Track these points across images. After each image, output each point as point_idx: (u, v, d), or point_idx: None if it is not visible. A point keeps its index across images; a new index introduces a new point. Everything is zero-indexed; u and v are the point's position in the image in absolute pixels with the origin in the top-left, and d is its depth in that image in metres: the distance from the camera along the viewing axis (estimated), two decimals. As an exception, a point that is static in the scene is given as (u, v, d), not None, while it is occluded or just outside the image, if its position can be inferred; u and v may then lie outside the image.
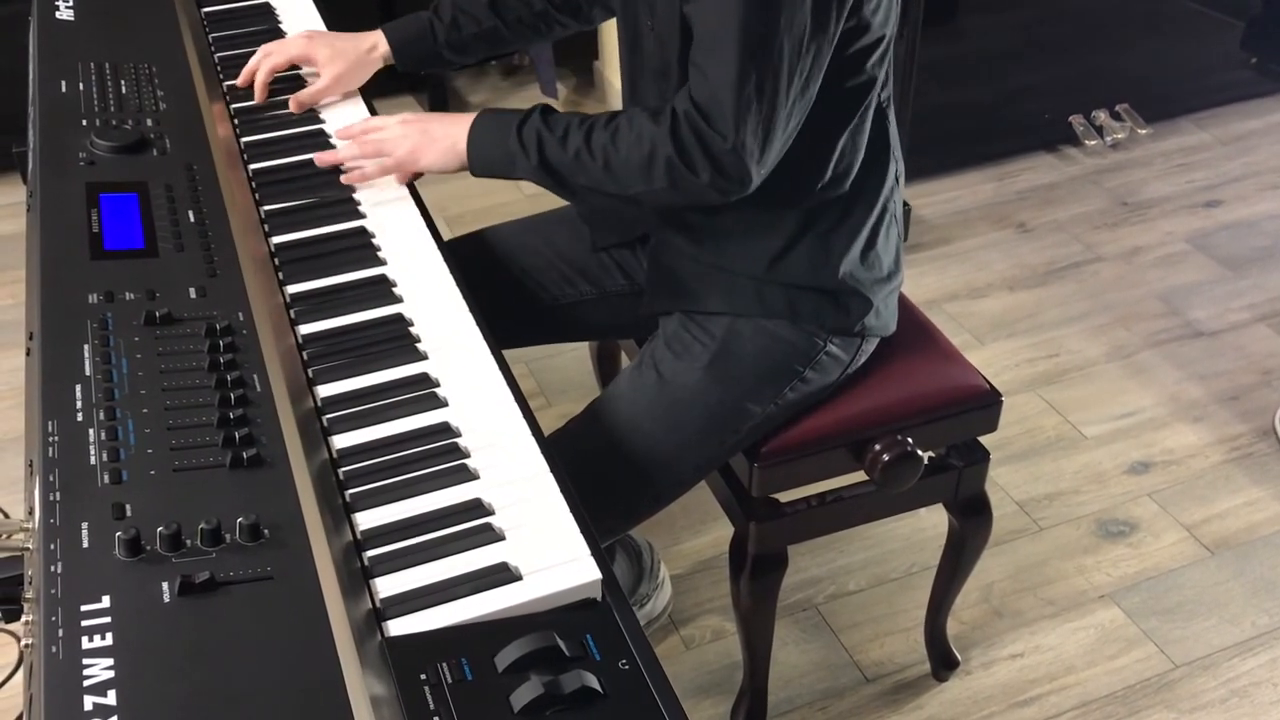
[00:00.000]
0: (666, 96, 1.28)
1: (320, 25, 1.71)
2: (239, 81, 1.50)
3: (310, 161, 1.38)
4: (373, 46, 1.52)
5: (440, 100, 3.13)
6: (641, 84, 1.34)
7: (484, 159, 1.29)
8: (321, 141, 1.43)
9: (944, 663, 1.72)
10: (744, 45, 1.13)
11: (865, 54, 1.22)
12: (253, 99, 1.50)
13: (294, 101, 1.48)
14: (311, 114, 1.49)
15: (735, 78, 1.14)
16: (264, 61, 1.49)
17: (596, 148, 1.22)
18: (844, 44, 1.19)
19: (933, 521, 1.92)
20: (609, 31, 3.14)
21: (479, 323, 1.14)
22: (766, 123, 1.16)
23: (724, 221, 1.30)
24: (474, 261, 1.44)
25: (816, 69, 1.18)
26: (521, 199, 2.83)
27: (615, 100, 3.14)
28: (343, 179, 1.35)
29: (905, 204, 2.63)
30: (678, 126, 1.18)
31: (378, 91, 1.57)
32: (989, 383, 1.46)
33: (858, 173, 1.29)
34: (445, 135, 1.30)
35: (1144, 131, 2.97)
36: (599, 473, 1.31)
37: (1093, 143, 2.94)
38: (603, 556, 0.90)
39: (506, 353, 1.30)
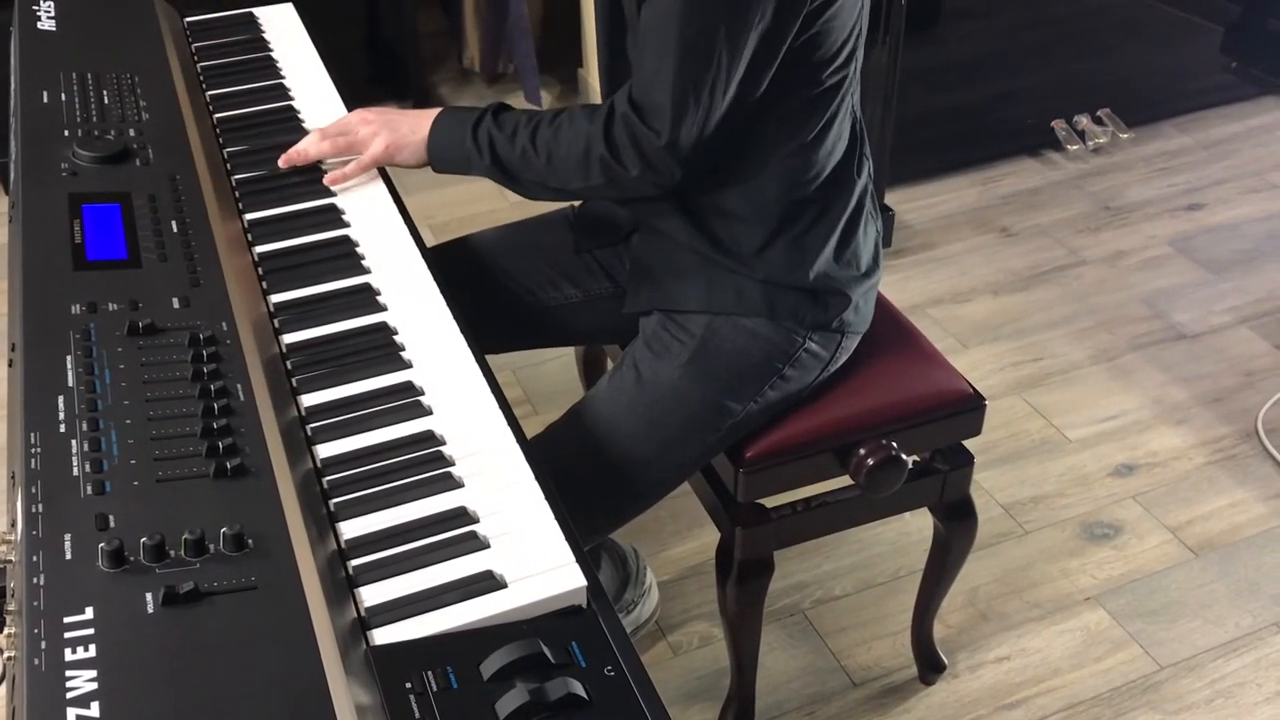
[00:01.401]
0: None
1: (304, 36, 1.70)
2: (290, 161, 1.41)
3: (294, 171, 1.38)
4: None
5: (422, 106, 3.12)
6: (618, 77, 1.35)
7: (443, 159, 1.34)
8: (305, 151, 1.43)
9: (931, 666, 1.73)
10: (682, 47, 1.16)
11: (830, 59, 1.25)
12: (237, 110, 1.50)
13: (334, 176, 1.39)
14: (295, 123, 1.49)
15: (672, 79, 1.17)
16: (314, 148, 1.41)
17: (540, 145, 1.27)
18: (808, 51, 1.22)
19: (918, 525, 1.93)
20: (593, 39, 3.15)
21: (463, 331, 1.14)
22: (700, 124, 1.20)
23: (704, 221, 1.31)
24: (458, 267, 1.44)
25: (758, 74, 1.21)
26: (506, 206, 2.83)
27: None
28: (325, 180, 1.37)
29: (889, 209, 2.65)
30: (612, 124, 1.23)
31: (361, 101, 1.57)
32: (973, 387, 1.47)
33: (830, 172, 1.30)
34: (414, 132, 1.34)
35: (1126, 136, 2.99)
36: (582, 474, 1.31)
37: (1075, 147, 2.95)
38: (588, 563, 0.90)
39: (492, 359, 1.30)
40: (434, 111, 1.35)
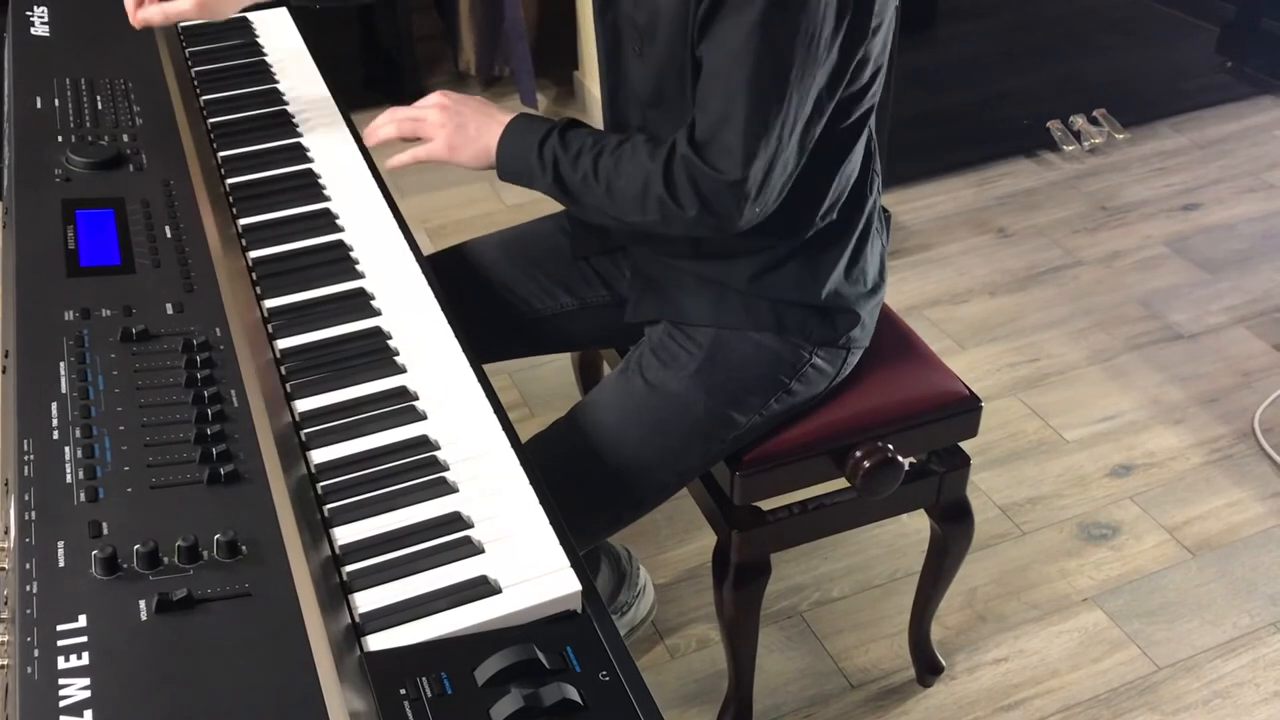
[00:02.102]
0: (654, 123, 1.29)
1: (299, 40, 1.70)
2: (133, 20, 1.41)
3: (288, 175, 1.38)
4: None
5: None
6: (621, 101, 1.34)
7: (509, 170, 1.29)
8: (298, 154, 1.43)
9: (928, 668, 1.72)
10: (755, 88, 1.13)
11: (862, 91, 1.24)
12: (231, 115, 1.50)
13: (138, 18, 1.40)
14: (289, 126, 1.48)
15: (744, 122, 1.14)
16: None
17: (601, 173, 1.24)
18: (849, 82, 1.21)
19: (915, 527, 1.92)
20: (590, 42, 3.15)
21: (457, 334, 1.14)
22: (768, 167, 1.17)
23: (710, 241, 1.31)
24: (454, 277, 1.44)
25: (818, 117, 1.19)
26: (503, 209, 2.84)
27: (596, 109, 3.15)
28: (388, 164, 1.36)
29: (885, 210, 2.64)
30: (671, 165, 1.19)
31: (357, 104, 1.57)
32: (969, 388, 1.47)
33: (847, 193, 1.31)
34: (480, 135, 1.30)
35: (1121, 136, 2.99)
36: (581, 477, 1.31)
37: (1071, 148, 2.96)
38: (583, 567, 0.90)
39: (488, 365, 1.30)
40: (507, 115, 1.31)
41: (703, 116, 1.18)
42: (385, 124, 1.36)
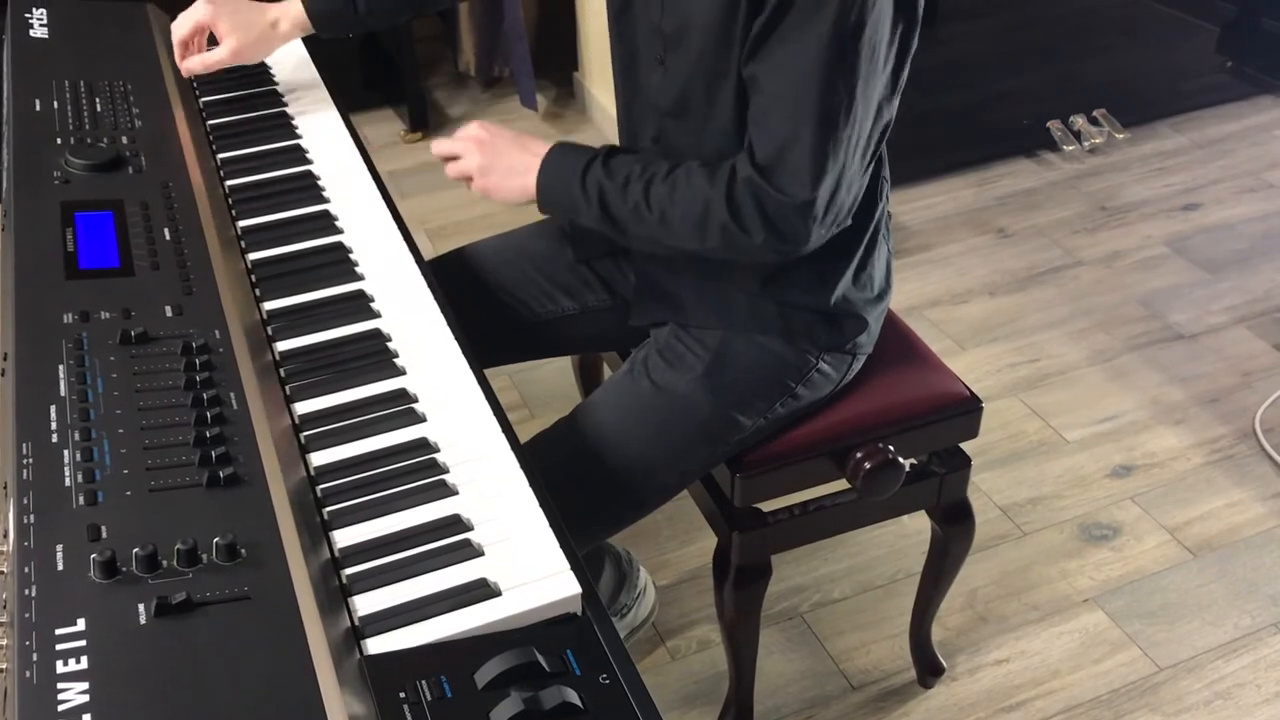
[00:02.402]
0: (671, 133, 1.28)
1: (298, 41, 1.70)
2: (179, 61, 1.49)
3: (287, 177, 1.38)
4: (276, 21, 1.50)
5: (420, 113, 3.13)
6: (637, 111, 1.34)
7: (551, 202, 1.28)
8: (297, 156, 1.43)
9: (929, 669, 1.72)
10: (823, 110, 1.12)
11: (890, 98, 1.23)
12: (230, 117, 1.50)
13: (183, 67, 1.49)
14: (289, 128, 1.48)
15: (812, 142, 1.13)
16: (175, 38, 1.49)
17: (654, 202, 1.21)
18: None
19: (916, 528, 1.92)
20: (590, 43, 3.15)
21: (456, 336, 1.14)
22: (835, 186, 1.17)
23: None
24: (454, 281, 1.44)
25: (878, 127, 1.19)
26: (503, 210, 2.83)
27: (595, 111, 3.15)
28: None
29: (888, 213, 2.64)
30: (734, 190, 1.18)
31: (357, 105, 1.57)
32: (969, 389, 1.46)
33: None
34: (519, 170, 1.29)
35: (1121, 136, 2.99)
36: (583, 477, 1.31)
37: (1071, 148, 2.95)
38: (583, 570, 0.90)
39: (489, 368, 1.30)
40: (544, 146, 1.28)
41: (764, 138, 1.16)
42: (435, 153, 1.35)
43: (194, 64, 1.49)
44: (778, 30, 1.13)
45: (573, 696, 0.78)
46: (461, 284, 1.47)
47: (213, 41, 1.51)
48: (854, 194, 1.20)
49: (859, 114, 1.14)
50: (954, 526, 1.54)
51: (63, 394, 0.97)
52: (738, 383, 1.32)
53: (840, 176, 1.17)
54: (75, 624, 0.78)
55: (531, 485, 0.97)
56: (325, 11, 1.49)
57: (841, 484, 1.43)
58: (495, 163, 1.29)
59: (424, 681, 0.79)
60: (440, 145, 1.34)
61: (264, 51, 1.51)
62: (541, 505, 0.95)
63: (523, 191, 1.29)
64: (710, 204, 1.19)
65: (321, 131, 1.48)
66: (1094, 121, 2.99)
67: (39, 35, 1.56)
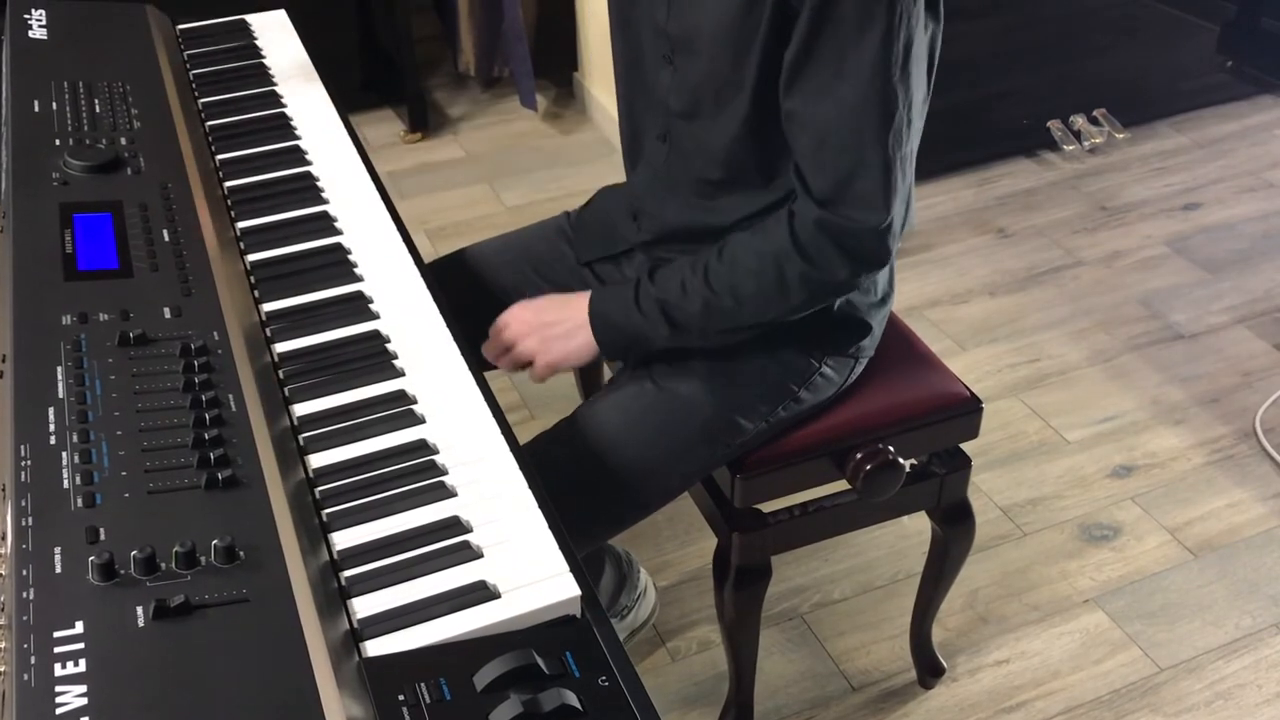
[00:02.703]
0: (681, 134, 1.28)
1: (297, 43, 1.70)
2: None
3: (286, 178, 1.38)
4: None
5: (420, 114, 3.13)
6: (640, 110, 1.33)
7: (615, 343, 1.28)
8: (297, 157, 1.43)
9: (930, 670, 1.72)
10: (885, 134, 1.12)
11: None
12: (229, 118, 1.50)
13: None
14: (287, 130, 1.48)
15: (880, 168, 1.13)
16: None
17: (720, 289, 1.20)
18: None
19: (917, 529, 1.92)
20: (590, 43, 3.14)
21: (456, 337, 1.13)
22: (904, 197, 1.17)
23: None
24: (455, 283, 1.44)
25: (919, 132, 1.19)
26: (503, 210, 2.83)
27: (595, 111, 3.15)
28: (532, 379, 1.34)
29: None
30: (801, 234, 1.17)
31: (356, 106, 1.57)
32: (969, 390, 1.46)
33: None
34: (571, 330, 1.29)
35: (1121, 136, 2.99)
36: (585, 478, 1.31)
37: (1071, 148, 2.95)
38: (582, 572, 0.89)
39: (491, 374, 1.30)
40: (582, 301, 1.28)
41: (823, 172, 1.15)
42: (489, 356, 1.35)
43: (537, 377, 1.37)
44: (818, 60, 1.11)
45: (572, 699, 0.78)
46: (462, 285, 1.47)
47: None
48: (911, 194, 1.20)
49: (916, 126, 1.15)
50: (954, 527, 1.54)
51: (61, 396, 0.97)
52: (739, 386, 1.32)
53: (908, 189, 1.17)
54: (73, 626, 0.78)
55: (531, 487, 0.96)
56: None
57: (842, 485, 1.43)
58: (546, 335, 1.29)
59: (423, 684, 0.79)
60: (490, 349, 1.34)
61: None
62: (541, 507, 0.95)
63: (587, 347, 1.29)
64: (781, 259, 1.18)
65: (321, 132, 1.48)
66: (1094, 121, 2.99)
67: (38, 36, 1.56)
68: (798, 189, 1.19)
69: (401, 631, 0.83)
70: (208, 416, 0.96)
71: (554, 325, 1.29)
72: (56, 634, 0.77)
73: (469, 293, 1.48)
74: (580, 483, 1.29)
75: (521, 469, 0.98)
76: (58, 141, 1.33)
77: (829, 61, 1.11)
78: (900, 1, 1.09)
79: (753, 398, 1.33)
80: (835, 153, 1.14)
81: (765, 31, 1.14)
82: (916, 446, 1.45)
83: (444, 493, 0.95)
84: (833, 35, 1.10)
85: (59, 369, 1.00)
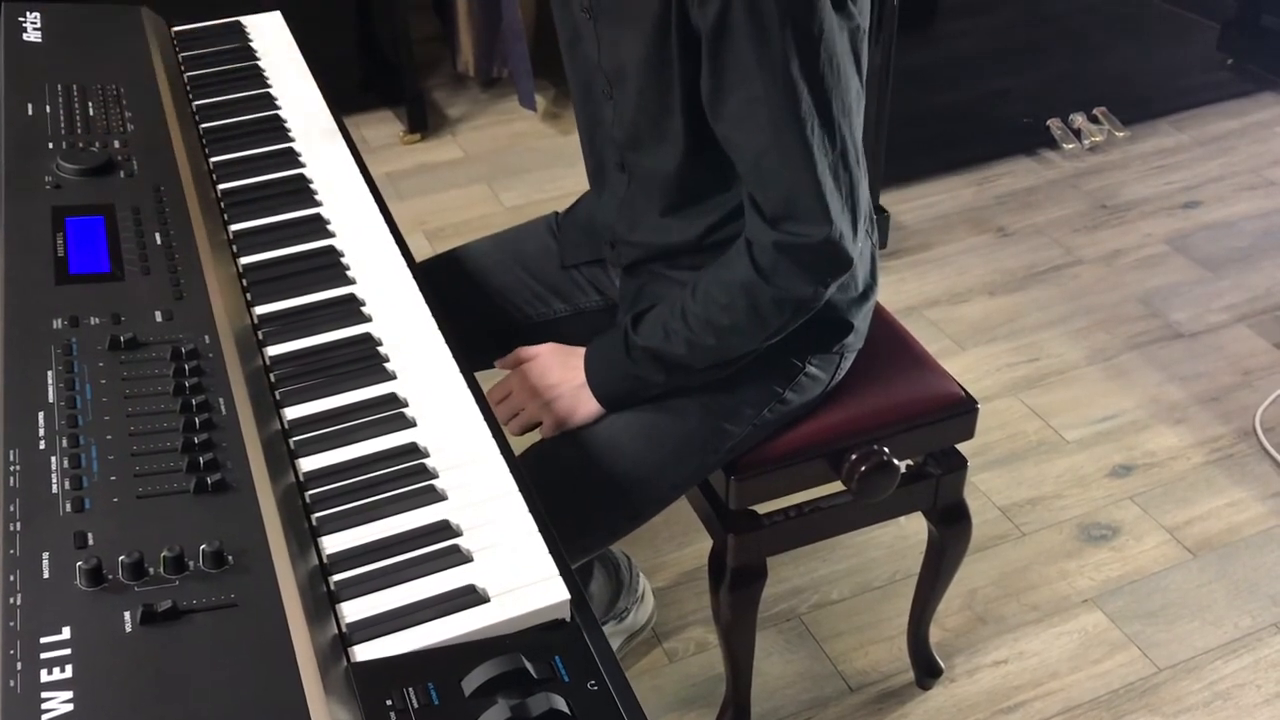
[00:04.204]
0: (633, 164, 1.29)
1: (292, 44, 1.70)
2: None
3: (279, 181, 1.38)
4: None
5: (419, 114, 3.12)
6: (599, 143, 1.35)
7: (617, 396, 1.30)
8: (290, 160, 1.42)
9: (928, 671, 1.72)
10: (810, 149, 1.12)
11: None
12: (223, 120, 1.50)
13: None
14: (282, 131, 1.48)
15: (812, 181, 1.13)
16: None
17: (698, 327, 1.22)
18: None
19: (914, 529, 1.92)
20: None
21: (447, 340, 1.13)
22: (849, 201, 1.16)
23: (700, 251, 1.30)
24: (446, 283, 1.43)
25: (859, 126, 1.18)
26: (500, 211, 2.83)
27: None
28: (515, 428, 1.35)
29: (884, 210, 2.64)
30: (761, 261, 1.17)
31: (355, 107, 1.57)
32: (965, 390, 1.46)
33: None
34: (575, 393, 1.30)
35: (1121, 134, 2.98)
36: (576, 489, 1.30)
37: (1071, 146, 2.95)
38: (572, 576, 0.89)
39: (481, 371, 1.29)
40: (579, 361, 1.30)
41: (765, 195, 1.16)
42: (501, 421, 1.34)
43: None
44: (728, 84, 1.12)
45: (561, 703, 0.77)
46: (452, 286, 1.47)
47: None
48: (864, 189, 1.20)
49: (844, 131, 1.14)
50: (951, 528, 1.53)
51: (51, 400, 0.97)
52: (725, 392, 1.32)
53: (851, 191, 1.16)
54: (60, 632, 0.78)
55: (521, 491, 0.96)
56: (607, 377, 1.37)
57: (837, 486, 1.43)
58: (549, 399, 1.31)
59: (411, 689, 0.78)
60: (505, 422, 1.34)
61: None
62: (531, 511, 0.94)
63: (592, 407, 1.30)
64: (749, 289, 1.18)
65: (315, 135, 1.48)
66: (1094, 119, 2.98)
67: (32, 39, 1.56)
68: (749, 212, 1.19)
69: (390, 636, 0.83)
70: (198, 420, 0.95)
71: (555, 388, 1.31)
72: (43, 639, 0.77)
73: (459, 293, 1.48)
74: (571, 495, 1.28)
75: (512, 473, 0.98)
76: (51, 145, 1.33)
77: (737, 84, 1.11)
78: (792, 13, 1.07)
79: (739, 402, 1.32)
80: (768, 174, 1.15)
81: (678, 59, 1.15)
82: (912, 447, 1.45)
83: (434, 496, 0.95)
84: (734, 56, 1.10)
85: (49, 373, 1.00)
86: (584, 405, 1.30)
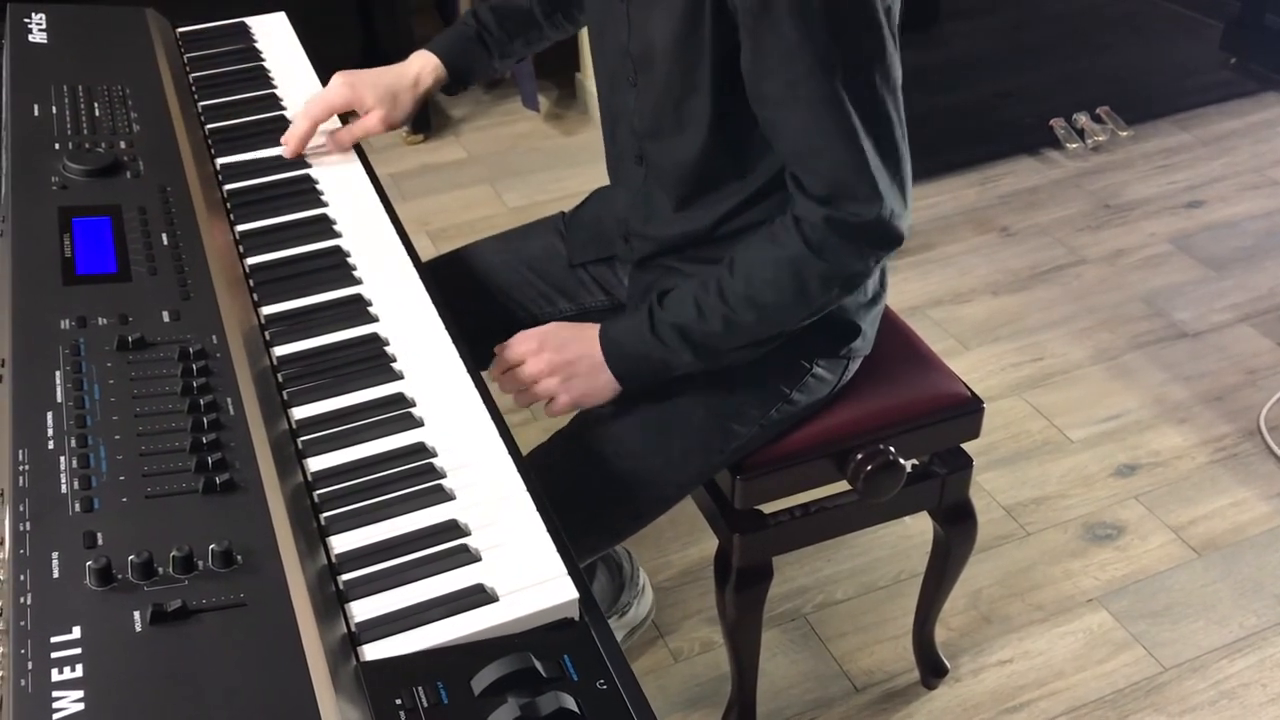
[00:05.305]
0: (653, 155, 1.28)
1: (297, 45, 1.70)
2: (289, 152, 1.41)
3: (285, 181, 1.38)
4: (416, 79, 1.47)
5: (422, 115, 3.12)
6: (621, 136, 1.34)
7: (635, 374, 1.25)
8: (296, 160, 1.43)
9: (933, 670, 1.72)
10: (854, 127, 1.11)
11: None
12: (229, 121, 1.50)
13: (333, 142, 1.44)
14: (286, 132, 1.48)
15: (861, 160, 1.12)
16: (303, 119, 1.42)
17: (738, 303, 1.19)
18: None
19: (920, 529, 1.92)
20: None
21: (454, 340, 1.13)
22: (898, 176, 1.16)
23: (710, 252, 1.30)
24: (451, 282, 1.44)
25: (901, 102, 1.17)
26: (504, 211, 2.83)
27: (597, 112, 3.14)
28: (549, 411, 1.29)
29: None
30: (812, 237, 1.16)
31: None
32: (970, 390, 1.46)
33: None
34: (594, 369, 1.25)
35: (1125, 133, 2.98)
36: (582, 490, 1.30)
37: (1074, 145, 2.95)
38: (580, 575, 0.89)
39: (489, 373, 1.29)
40: (594, 333, 1.26)
41: (813, 175, 1.15)
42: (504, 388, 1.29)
43: (345, 137, 1.44)
44: (769, 68, 1.11)
45: (570, 702, 0.77)
46: (458, 285, 1.47)
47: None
48: (909, 162, 1.19)
49: (889, 104, 1.13)
50: (956, 527, 1.53)
51: (59, 400, 0.97)
52: (732, 392, 1.32)
53: (898, 166, 1.16)
54: (71, 632, 0.78)
55: (529, 490, 0.96)
56: (463, 66, 1.49)
57: (843, 485, 1.43)
58: (568, 374, 1.25)
59: (420, 688, 0.79)
60: (504, 384, 1.30)
61: (413, 112, 1.49)
62: (539, 510, 0.94)
63: (609, 385, 1.26)
64: (798, 264, 1.17)
65: (320, 135, 1.48)
66: (1097, 119, 2.98)
67: (38, 40, 1.56)
68: (795, 191, 1.18)
69: (399, 635, 0.83)
70: (206, 420, 0.96)
71: (574, 364, 1.26)
72: (54, 639, 0.77)
73: (465, 292, 1.48)
74: (576, 495, 1.28)
75: (520, 472, 0.98)
76: (57, 145, 1.33)
77: (779, 65, 1.11)
78: None
79: (745, 402, 1.32)
80: (814, 156, 1.14)
81: (710, 38, 1.15)
82: (917, 447, 1.45)
83: (442, 496, 0.95)
84: (776, 37, 1.10)
85: (57, 373, 1.00)
86: (604, 384, 1.26)
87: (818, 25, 1.08)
